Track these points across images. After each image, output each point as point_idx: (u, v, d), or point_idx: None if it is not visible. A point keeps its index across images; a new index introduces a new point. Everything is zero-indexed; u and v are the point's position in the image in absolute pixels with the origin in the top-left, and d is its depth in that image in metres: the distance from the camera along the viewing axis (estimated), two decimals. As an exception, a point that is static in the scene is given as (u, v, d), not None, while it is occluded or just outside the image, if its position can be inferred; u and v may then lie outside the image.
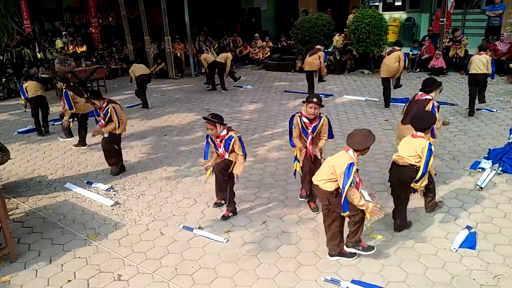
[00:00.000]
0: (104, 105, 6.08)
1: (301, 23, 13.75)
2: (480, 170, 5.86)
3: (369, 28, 12.37)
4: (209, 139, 4.71)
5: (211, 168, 4.85)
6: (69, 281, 3.99)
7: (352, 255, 4.07)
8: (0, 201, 4.51)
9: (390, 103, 9.28)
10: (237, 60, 15.77)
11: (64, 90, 7.39)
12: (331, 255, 4.11)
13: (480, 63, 7.96)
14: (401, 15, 15.39)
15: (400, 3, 15.21)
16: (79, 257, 4.34)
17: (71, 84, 8.21)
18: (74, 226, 4.95)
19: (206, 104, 10.39)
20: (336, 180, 3.69)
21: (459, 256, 4.06)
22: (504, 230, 4.46)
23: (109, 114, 6.04)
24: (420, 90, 5.29)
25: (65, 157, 7.25)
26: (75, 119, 7.73)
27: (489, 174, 5.64)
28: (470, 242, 4.22)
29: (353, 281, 3.76)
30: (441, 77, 11.98)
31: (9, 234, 4.26)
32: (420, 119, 4.29)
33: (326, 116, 4.79)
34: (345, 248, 4.03)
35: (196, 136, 8.04)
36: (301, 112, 4.71)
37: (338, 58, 13.35)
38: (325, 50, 10.88)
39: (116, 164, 6.37)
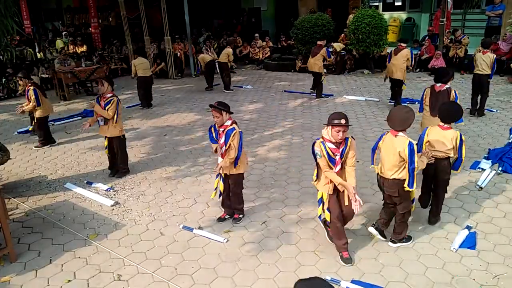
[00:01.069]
0: (109, 95, 5.97)
1: (301, 23, 13.75)
2: (480, 170, 5.86)
3: (369, 28, 12.37)
4: (212, 129, 4.57)
5: (220, 180, 4.69)
6: (69, 281, 3.99)
7: (409, 238, 4.29)
8: (0, 201, 4.52)
9: (390, 103, 9.28)
10: (237, 60, 15.76)
11: (33, 88, 7.36)
12: (394, 242, 4.27)
13: (484, 63, 7.98)
14: (401, 15, 15.39)
15: (400, 3, 15.21)
16: (79, 257, 4.34)
17: (35, 82, 8.01)
18: (74, 226, 4.95)
19: (206, 104, 10.36)
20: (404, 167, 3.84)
21: (459, 256, 4.06)
22: (504, 230, 4.46)
23: (110, 105, 5.91)
24: (437, 81, 5.63)
25: (65, 157, 7.25)
26: (34, 121, 7.76)
27: (489, 174, 5.65)
28: (470, 242, 4.22)
29: (353, 281, 3.76)
30: (441, 77, 11.99)
31: (9, 234, 4.26)
32: (451, 113, 4.36)
33: (351, 136, 3.92)
34: (390, 243, 4.26)
35: (196, 136, 8.03)
36: (322, 137, 3.83)
37: (345, 57, 13.36)
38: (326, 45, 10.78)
39: (122, 169, 6.33)
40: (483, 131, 7.47)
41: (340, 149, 3.79)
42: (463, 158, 4.34)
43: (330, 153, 3.80)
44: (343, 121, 3.65)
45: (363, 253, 4.16)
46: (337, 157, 3.79)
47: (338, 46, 13.58)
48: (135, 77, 10.22)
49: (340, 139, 3.73)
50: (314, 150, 3.87)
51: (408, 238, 4.29)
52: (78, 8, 21.52)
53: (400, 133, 3.83)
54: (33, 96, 7.31)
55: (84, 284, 3.94)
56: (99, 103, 5.99)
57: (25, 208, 5.47)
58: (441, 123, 4.37)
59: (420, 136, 4.51)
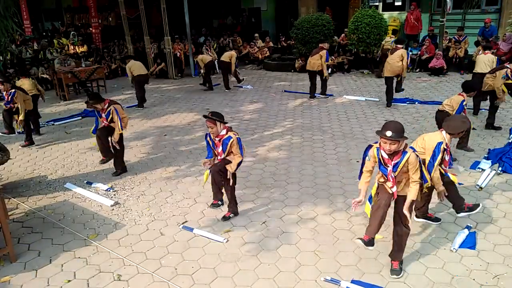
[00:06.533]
0: (106, 106, 5.99)
1: (301, 23, 13.75)
2: (480, 170, 5.86)
3: (369, 28, 12.38)
4: (208, 138, 4.69)
5: (208, 171, 4.81)
6: (69, 281, 3.99)
7: (437, 219, 4.61)
8: (0, 201, 4.52)
9: (392, 103, 9.28)
10: (237, 60, 15.72)
11: (13, 91, 7.38)
12: (417, 217, 4.62)
13: (487, 62, 8.01)
14: (401, 15, 15.39)
15: (400, 3, 15.21)
16: (79, 257, 4.34)
17: (15, 84, 8.01)
18: (74, 226, 4.95)
19: (206, 104, 10.38)
20: (424, 153, 4.04)
21: (459, 256, 4.06)
22: (504, 230, 4.46)
23: (110, 116, 5.97)
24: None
25: (65, 157, 7.25)
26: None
27: (489, 174, 5.65)
28: (470, 242, 4.22)
29: (353, 281, 3.76)
30: (441, 77, 12.01)
31: (9, 234, 4.26)
32: (470, 87, 6.04)
33: (413, 151, 3.64)
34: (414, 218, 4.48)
35: (196, 136, 8.03)
36: (379, 143, 3.61)
37: (352, 54, 13.41)
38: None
39: (108, 156, 6.28)
40: (483, 131, 7.47)
41: (394, 162, 3.54)
42: (461, 110, 5.86)
43: (382, 161, 3.63)
44: (387, 133, 3.35)
45: (363, 253, 4.16)
46: (389, 168, 3.57)
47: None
48: (133, 80, 10.25)
49: (388, 151, 3.46)
50: (367, 153, 3.73)
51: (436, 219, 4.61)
52: (78, 8, 21.51)
53: (444, 132, 4.13)
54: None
55: (84, 284, 3.94)
56: (100, 116, 6.06)
57: (25, 208, 5.47)
58: (462, 92, 5.99)
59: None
